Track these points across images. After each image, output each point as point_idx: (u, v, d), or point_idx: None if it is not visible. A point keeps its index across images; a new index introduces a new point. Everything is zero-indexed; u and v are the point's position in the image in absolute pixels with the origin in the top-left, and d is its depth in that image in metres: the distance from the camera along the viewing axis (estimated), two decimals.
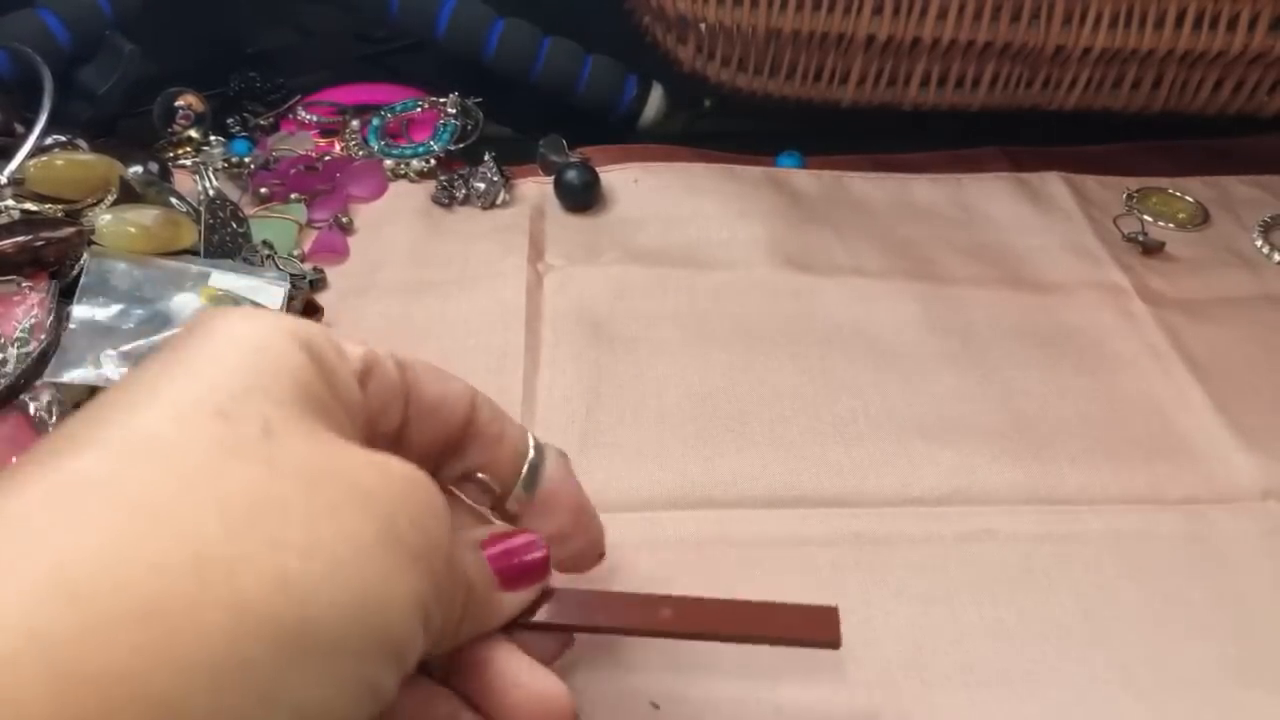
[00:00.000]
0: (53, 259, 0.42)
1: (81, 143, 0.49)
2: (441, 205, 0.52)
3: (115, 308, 0.41)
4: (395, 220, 0.51)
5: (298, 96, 0.59)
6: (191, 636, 0.17)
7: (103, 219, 0.43)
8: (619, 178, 0.54)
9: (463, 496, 0.29)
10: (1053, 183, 0.56)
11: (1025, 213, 0.54)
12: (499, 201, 0.52)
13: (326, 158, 0.54)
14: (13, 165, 0.46)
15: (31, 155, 0.47)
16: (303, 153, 0.55)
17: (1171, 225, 0.53)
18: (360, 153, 0.55)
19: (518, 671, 0.25)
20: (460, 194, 0.53)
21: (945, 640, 0.34)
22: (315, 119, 0.58)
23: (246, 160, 0.53)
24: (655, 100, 0.60)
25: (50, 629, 0.16)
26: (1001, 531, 0.37)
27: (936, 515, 0.38)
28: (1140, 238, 0.52)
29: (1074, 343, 0.46)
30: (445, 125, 0.56)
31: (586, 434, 0.40)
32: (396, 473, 0.22)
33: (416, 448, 0.26)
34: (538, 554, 0.27)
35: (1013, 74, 0.56)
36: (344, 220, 0.51)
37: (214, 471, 0.19)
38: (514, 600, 0.26)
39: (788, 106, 0.59)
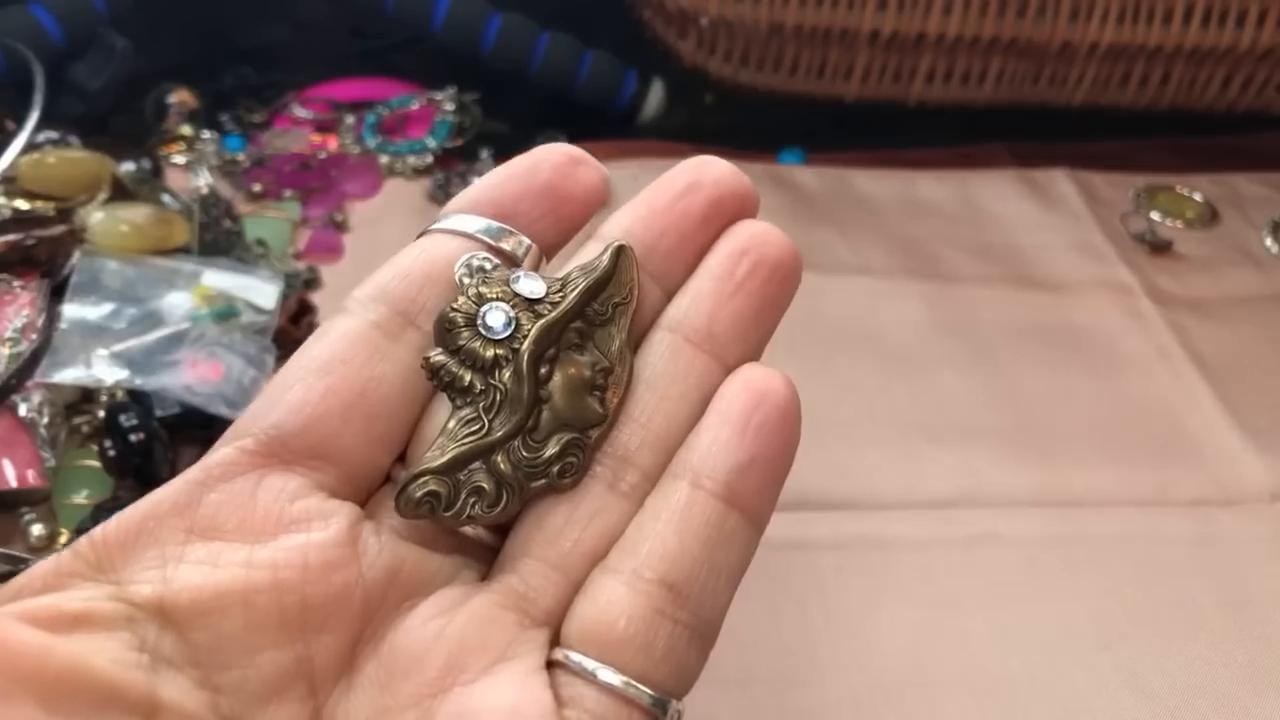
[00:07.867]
0: (44, 258, 0.41)
1: (73, 140, 0.49)
2: (438, 203, 0.52)
3: (107, 307, 0.40)
4: (390, 218, 0.51)
5: (292, 92, 0.58)
6: None
7: (95, 217, 0.43)
8: (618, 175, 0.53)
9: None
10: (1059, 180, 0.55)
11: (1031, 211, 0.53)
12: None
13: (321, 154, 0.54)
14: (4, 162, 0.46)
15: (23, 152, 0.46)
16: (297, 149, 0.54)
17: (1179, 224, 0.53)
18: (355, 149, 0.55)
19: None
20: (456, 191, 0.52)
21: (950, 645, 0.33)
22: (310, 115, 0.57)
23: (240, 157, 0.53)
24: (655, 96, 0.59)
25: None
26: (1007, 534, 0.37)
27: (941, 518, 0.37)
28: (1148, 236, 0.51)
29: (1081, 343, 0.45)
30: (441, 121, 0.55)
31: None
32: None
33: None
34: None
35: (1019, 70, 0.56)
36: (338, 218, 0.50)
37: None
38: None
39: (790, 102, 0.58)
